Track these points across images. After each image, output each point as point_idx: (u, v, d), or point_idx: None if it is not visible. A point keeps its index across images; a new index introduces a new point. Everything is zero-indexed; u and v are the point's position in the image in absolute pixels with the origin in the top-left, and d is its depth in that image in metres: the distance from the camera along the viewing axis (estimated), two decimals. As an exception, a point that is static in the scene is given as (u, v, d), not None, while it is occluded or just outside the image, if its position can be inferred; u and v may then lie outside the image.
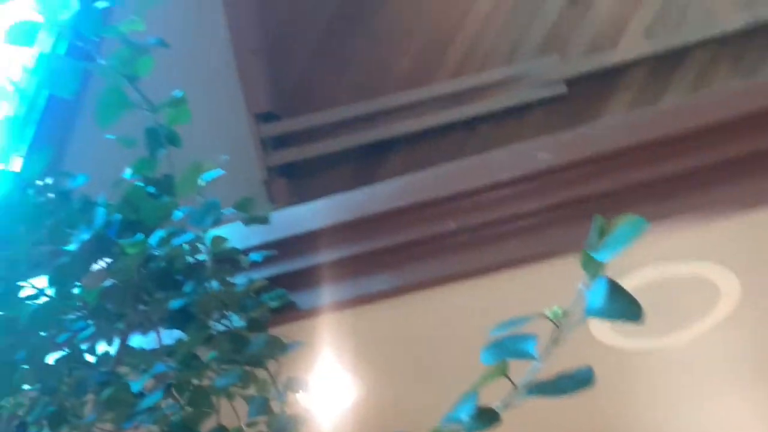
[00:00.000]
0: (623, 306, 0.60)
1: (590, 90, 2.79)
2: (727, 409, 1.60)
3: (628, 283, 1.28)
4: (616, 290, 0.60)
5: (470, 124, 2.74)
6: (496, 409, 0.61)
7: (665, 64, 2.75)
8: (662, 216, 1.21)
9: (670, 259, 1.28)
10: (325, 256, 1.27)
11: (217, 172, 0.98)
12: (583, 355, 1.39)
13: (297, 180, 2.70)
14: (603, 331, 1.33)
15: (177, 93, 1.02)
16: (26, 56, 1.81)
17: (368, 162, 2.76)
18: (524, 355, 0.63)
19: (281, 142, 2.67)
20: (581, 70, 2.74)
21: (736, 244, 1.26)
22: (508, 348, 0.63)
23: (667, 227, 1.21)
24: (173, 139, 1.04)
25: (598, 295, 0.61)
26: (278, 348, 0.91)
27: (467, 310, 1.28)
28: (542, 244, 1.26)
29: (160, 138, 1.03)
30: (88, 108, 1.79)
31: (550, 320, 0.61)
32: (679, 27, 2.72)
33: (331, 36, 2.81)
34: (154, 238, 0.93)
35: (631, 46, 2.74)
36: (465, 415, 0.61)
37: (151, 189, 1.05)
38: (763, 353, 1.45)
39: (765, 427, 1.68)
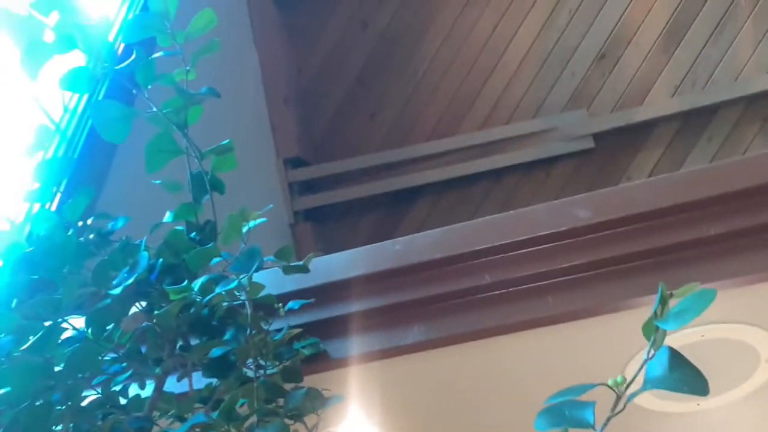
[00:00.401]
0: (687, 378, 0.58)
1: (617, 145, 2.80)
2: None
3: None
4: (679, 361, 0.59)
5: (496, 174, 2.76)
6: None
7: (693, 123, 2.76)
8: (703, 279, 1.19)
9: (710, 323, 1.26)
10: (358, 305, 1.26)
11: (261, 220, 0.98)
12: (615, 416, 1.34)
13: (322, 224, 2.71)
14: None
15: (224, 141, 1.03)
16: (66, 96, 1.85)
17: (394, 209, 2.76)
18: (582, 425, 0.61)
19: (308, 187, 2.70)
20: (608, 126, 2.76)
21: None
22: (564, 415, 0.62)
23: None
24: (217, 186, 1.05)
25: (659, 364, 0.59)
26: (319, 401, 0.90)
27: (500, 365, 1.26)
28: (578, 302, 1.24)
29: (205, 184, 1.04)
30: (123, 150, 1.82)
31: (611, 389, 0.60)
32: (707, 86, 2.74)
33: (361, 86, 2.86)
34: (196, 284, 0.93)
35: (659, 104, 2.76)
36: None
37: (193, 234, 1.05)
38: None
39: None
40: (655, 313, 0.59)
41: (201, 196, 1.03)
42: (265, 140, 2.55)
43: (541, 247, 1.25)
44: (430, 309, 1.26)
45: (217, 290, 0.90)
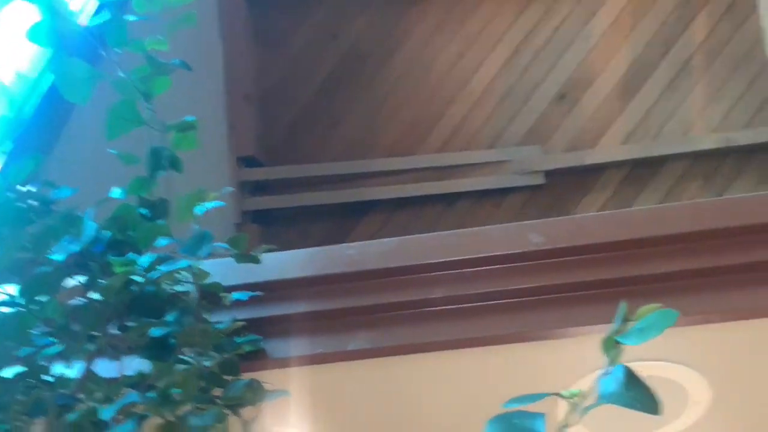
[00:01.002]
0: (641, 396, 0.59)
1: (567, 185, 2.87)
2: None
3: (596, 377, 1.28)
4: (634, 379, 0.59)
5: (449, 198, 2.78)
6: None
7: (641, 171, 2.85)
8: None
9: (642, 359, 1.28)
10: (305, 306, 1.24)
11: (218, 203, 0.95)
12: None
13: (269, 228, 2.67)
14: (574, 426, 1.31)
15: (189, 117, 1.00)
16: (19, 58, 1.78)
17: (345, 221, 2.75)
18: (532, 432, 0.61)
19: (260, 188, 2.65)
20: (560, 165, 2.83)
21: (711, 353, 1.27)
22: (515, 424, 0.61)
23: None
24: (175, 164, 1.02)
25: (615, 381, 0.60)
26: (260, 393, 0.86)
27: (444, 381, 1.25)
28: (524, 325, 1.25)
29: (163, 160, 1.01)
30: (75, 119, 1.75)
31: (566, 400, 0.59)
32: (656, 138, 2.84)
33: (325, 94, 2.85)
34: (143, 261, 0.89)
35: (610, 149, 2.85)
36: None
37: (144, 210, 1.01)
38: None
39: None
40: (616, 329, 0.60)
41: (157, 171, 0.99)
42: (220, 135, 2.50)
43: (493, 267, 1.26)
44: (378, 317, 1.24)
45: (164, 268, 0.86)
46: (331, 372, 1.22)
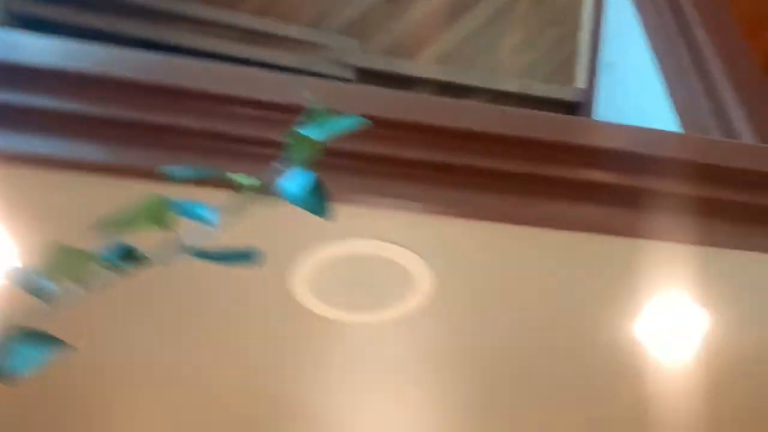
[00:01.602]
0: (316, 200, 0.58)
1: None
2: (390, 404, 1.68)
3: (335, 249, 1.30)
4: (313, 181, 0.58)
5: (251, 67, 2.65)
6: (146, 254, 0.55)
7: (445, 96, 2.95)
8: (386, 194, 1.25)
9: (378, 239, 1.31)
10: (38, 99, 1.10)
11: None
12: (275, 311, 1.36)
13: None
14: (302, 291, 1.33)
15: None
16: None
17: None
18: (200, 219, 0.58)
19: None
20: (373, 66, 2.82)
21: (441, 245, 1.34)
22: (184, 208, 0.58)
23: (386, 207, 1.25)
24: None
25: (295, 180, 0.58)
26: None
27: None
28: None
29: None
30: None
31: (240, 186, 0.57)
32: (467, 67, 2.94)
33: None
34: None
35: (423, 66, 2.89)
36: (110, 251, 0.54)
37: None
38: (435, 356, 1.55)
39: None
40: (302, 126, 0.58)
41: None
42: None
43: (254, 111, 1.21)
44: (119, 132, 1.14)
45: None
46: (55, 179, 1.11)
